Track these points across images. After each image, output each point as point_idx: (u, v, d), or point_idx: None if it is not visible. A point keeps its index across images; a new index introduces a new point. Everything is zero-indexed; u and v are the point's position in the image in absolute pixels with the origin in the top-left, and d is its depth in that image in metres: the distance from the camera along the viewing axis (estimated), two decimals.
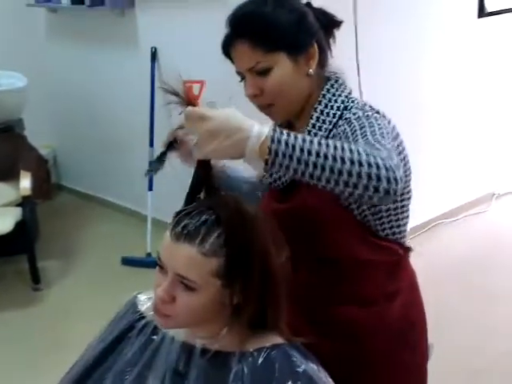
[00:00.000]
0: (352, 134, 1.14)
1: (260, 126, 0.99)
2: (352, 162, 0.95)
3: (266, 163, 0.97)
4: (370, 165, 0.95)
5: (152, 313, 1.10)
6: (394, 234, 1.26)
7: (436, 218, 3.70)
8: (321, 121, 1.23)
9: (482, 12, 3.59)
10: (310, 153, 0.96)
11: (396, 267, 1.31)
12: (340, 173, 0.95)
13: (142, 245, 3.52)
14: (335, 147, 0.97)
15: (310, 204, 1.19)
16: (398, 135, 1.21)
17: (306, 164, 0.96)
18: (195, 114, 1.02)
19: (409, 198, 1.27)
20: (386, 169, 0.96)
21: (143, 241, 3.54)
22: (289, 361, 1.05)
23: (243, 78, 1.25)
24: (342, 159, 0.95)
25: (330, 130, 1.21)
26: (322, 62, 1.27)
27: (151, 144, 3.62)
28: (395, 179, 0.97)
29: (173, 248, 1.03)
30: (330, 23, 1.29)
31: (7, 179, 3.41)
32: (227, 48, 1.24)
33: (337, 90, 1.26)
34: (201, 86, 4.21)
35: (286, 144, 0.96)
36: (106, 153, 4.25)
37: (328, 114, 1.23)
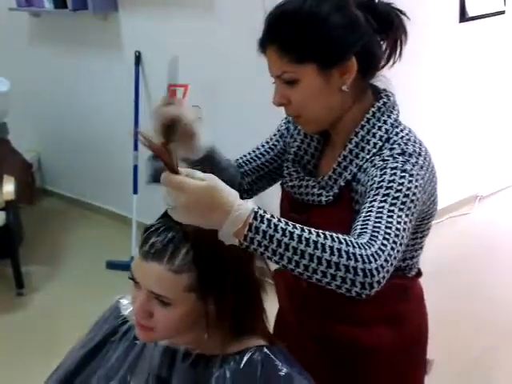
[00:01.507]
0: (376, 187, 1.04)
1: (240, 207, 0.89)
2: (328, 265, 0.91)
3: (240, 244, 0.91)
4: (347, 269, 0.92)
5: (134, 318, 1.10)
6: (407, 265, 1.23)
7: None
8: (360, 147, 1.13)
9: (464, 16, 3.63)
10: (287, 248, 0.90)
11: (404, 290, 1.27)
12: (314, 271, 0.92)
13: (126, 248, 3.51)
14: (315, 245, 0.91)
15: (328, 228, 1.04)
16: (434, 178, 1.15)
17: (281, 257, 0.91)
18: (173, 184, 0.89)
19: (424, 236, 1.23)
20: (364, 274, 0.93)
21: (128, 244, 3.53)
22: (271, 364, 1.05)
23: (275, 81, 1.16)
24: (319, 259, 0.91)
25: (367, 160, 1.12)
26: (367, 75, 1.16)
27: (135, 148, 3.61)
28: (370, 284, 0.93)
29: (143, 266, 1.02)
30: (388, 28, 1.15)
31: None
32: (263, 48, 1.15)
33: (382, 115, 1.15)
34: (185, 90, 4.20)
35: (264, 234, 0.89)
36: (90, 156, 4.23)
37: (369, 141, 1.13)
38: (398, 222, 1.01)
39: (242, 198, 0.93)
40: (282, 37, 1.10)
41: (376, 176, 1.07)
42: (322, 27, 1.08)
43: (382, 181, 1.06)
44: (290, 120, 1.32)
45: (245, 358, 1.05)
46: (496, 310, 2.91)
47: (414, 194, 1.06)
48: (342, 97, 1.14)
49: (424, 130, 3.89)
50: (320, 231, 0.93)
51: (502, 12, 3.80)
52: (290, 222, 0.92)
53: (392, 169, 1.07)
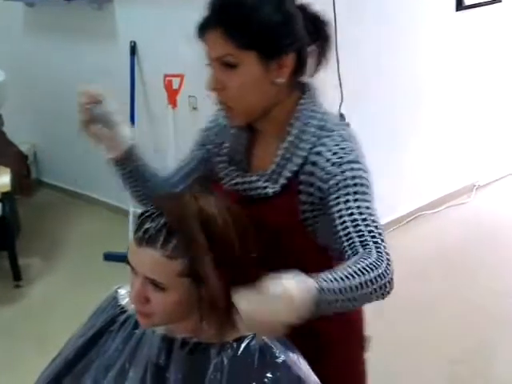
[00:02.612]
0: (343, 186, 1.12)
1: (304, 299, 0.94)
2: (363, 296, 1.02)
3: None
4: (375, 281, 1.02)
5: (133, 306, 1.11)
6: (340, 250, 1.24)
7: (417, 209, 3.73)
8: (299, 138, 1.18)
9: (460, 5, 3.62)
10: (343, 301, 0.99)
11: None
12: (359, 302, 1.04)
13: (124, 240, 3.50)
14: (356, 288, 1.00)
15: (277, 217, 1.19)
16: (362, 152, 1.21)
17: (341, 306, 1.00)
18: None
19: None
20: (384, 278, 1.03)
21: (125, 236, 3.52)
22: (268, 351, 1.06)
23: (210, 65, 1.18)
24: (361, 297, 1.01)
25: (310, 150, 1.17)
26: (299, 73, 1.20)
27: None
28: (389, 282, 1.04)
29: (137, 252, 1.04)
30: (319, 34, 1.21)
31: None
32: (202, 31, 1.18)
33: (314, 105, 1.21)
34: (180, 79, 4.22)
35: (328, 303, 0.97)
36: (86, 148, 4.19)
37: (306, 131, 1.18)
38: (370, 214, 1.10)
39: None
40: (230, 21, 1.13)
41: (337, 174, 1.14)
42: (267, 20, 1.13)
43: (345, 179, 1.13)
44: (208, 127, 1.36)
45: (242, 346, 1.06)
46: (493, 299, 2.92)
47: (368, 177, 1.17)
48: (276, 89, 1.18)
49: (421, 119, 3.91)
50: (348, 272, 1.01)
51: (499, 0, 3.79)
52: (335, 276, 0.99)
53: (349, 162, 1.15)
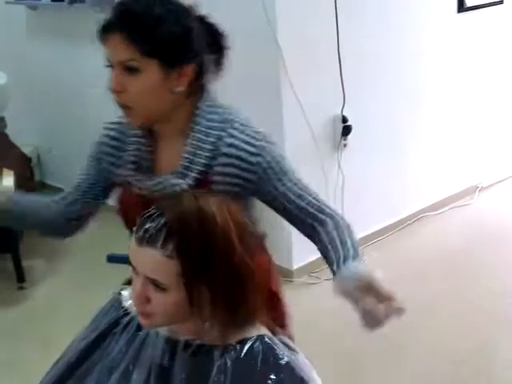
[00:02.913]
0: (273, 177, 1.25)
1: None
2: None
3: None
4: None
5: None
6: None
7: (420, 210, 3.73)
8: (205, 133, 1.25)
9: (462, 7, 3.61)
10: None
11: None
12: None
13: (126, 242, 3.51)
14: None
15: None
16: None
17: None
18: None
19: None
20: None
21: (128, 238, 3.53)
22: (272, 353, 1.06)
23: (111, 66, 1.24)
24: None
25: (218, 141, 1.24)
26: (199, 81, 1.26)
27: None
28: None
29: (138, 252, 1.04)
30: (217, 47, 1.28)
31: None
32: (105, 33, 1.22)
33: (213, 103, 1.27)
34: None
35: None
36: (89, 150, 4.22)
37: (211, 127, 1.25)
38: (301, 188, 1.28)
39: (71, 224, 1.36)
40: (135, 28, 1.18)
41: (261, 163, 1.24)
42: (170, 31, 1.20)
43: (270, 165, 1.24)
44: (102, 142, 1.41)
45: (245, 348, 1.06)
46: (495, 300, 2.92)
47: (280, 150, 1.29)
48: (174, 96, 1.24)
49: (424, 120, 3.91)
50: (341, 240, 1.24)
51: (501, 2, 3.78)
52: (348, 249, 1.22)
53: (264, 147, 1.24)
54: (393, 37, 3.39)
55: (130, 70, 1.20)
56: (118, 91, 1.23)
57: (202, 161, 1.25)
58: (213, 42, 1.28)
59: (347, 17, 3.09)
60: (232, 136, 1.25)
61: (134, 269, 1.06)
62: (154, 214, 1.04)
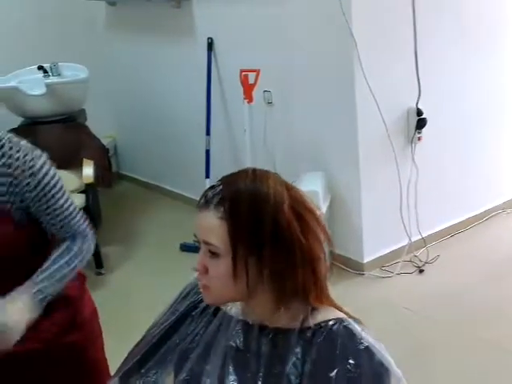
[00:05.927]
0: (44, 195, 1.39)
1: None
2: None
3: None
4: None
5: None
6: None
7: (497, 207, 3.63)
8: None
9: None
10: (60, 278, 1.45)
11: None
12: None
13: None
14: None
15: None
16: None
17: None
18: None
19: None
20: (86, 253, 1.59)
21: None
22: (351, 337, 1.04)
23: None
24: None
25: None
26: None
27: (207, 133, 3.68)
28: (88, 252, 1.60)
29: (198, 218, 1.09)
30: None
31: (71, 167, 3.53)
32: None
33: None
34: (256, 74, 4.26)
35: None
36: (163, 142, 4.34)
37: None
38: (67, 208, 1.52)
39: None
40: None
41: (38, 185, 1.38)
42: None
43: (44, 186, 1.39)
44: None
45: (324, 331, 1.05)
46: None
47: (54, 172, 1.42)
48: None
49: (503, 113, 3.75)
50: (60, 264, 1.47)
51: None
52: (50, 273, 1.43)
53: (40, 169, 1.37)
54: (472, 28, 3.29)
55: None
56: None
57: None
58: None
59: (425, 8, 3.03)
60: (10, 157, 1.35)
61: (198, 241, 1.10)
62: (215, 185, 1.10)
